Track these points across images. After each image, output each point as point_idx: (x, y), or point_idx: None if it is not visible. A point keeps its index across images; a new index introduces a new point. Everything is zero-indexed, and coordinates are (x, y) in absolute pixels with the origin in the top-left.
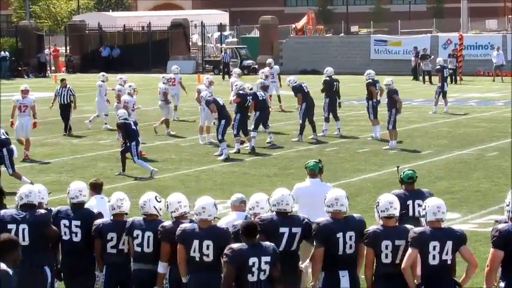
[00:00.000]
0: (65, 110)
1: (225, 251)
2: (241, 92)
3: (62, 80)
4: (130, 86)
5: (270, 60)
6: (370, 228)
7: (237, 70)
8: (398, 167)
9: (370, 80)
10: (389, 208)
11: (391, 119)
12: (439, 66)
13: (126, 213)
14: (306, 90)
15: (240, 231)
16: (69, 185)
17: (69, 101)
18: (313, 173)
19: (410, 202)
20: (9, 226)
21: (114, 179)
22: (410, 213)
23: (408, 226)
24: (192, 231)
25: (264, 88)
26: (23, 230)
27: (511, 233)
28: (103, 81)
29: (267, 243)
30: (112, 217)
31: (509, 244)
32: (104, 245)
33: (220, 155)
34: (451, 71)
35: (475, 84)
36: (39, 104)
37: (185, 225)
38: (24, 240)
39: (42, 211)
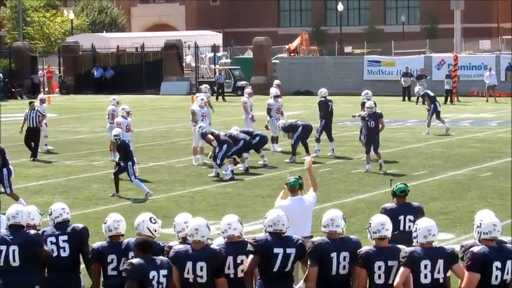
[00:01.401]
0: (33, 134)
1: (125, 266)
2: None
3: (30, 103)
4: (123, 108)
5: (277, 82)
6: (363, 249)
7: (248, 90)
8: (391, 180)
9: (366, 100)
10: (381, 230)
11: (378, 142)
12: (422, 93)
13: (122, 235)
14: (295, 121)
15: (134, 246)
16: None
17: (37, 124)
18: (294, 189)
19: (402, 217)
20: (0, 247)
21: (108, 200)
22: (401, 228)
23: (400, 246)
24: (185, 253)
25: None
26: (13, 251)
27: (487, 255)
28: (39, 104)
29: (161, 257)
30: (108, 239)
31: (485, 266)
32: (105, 267)
33: (216, 175)
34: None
35: (468, 105)
36: None
37: (178, 246)
38: (14, 261)
39: (33, 232)
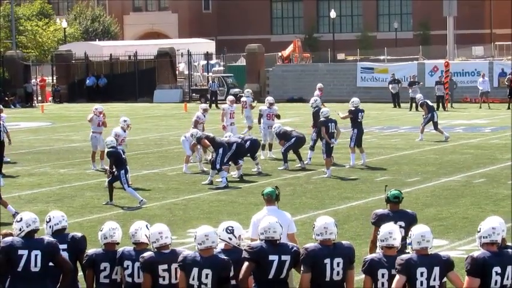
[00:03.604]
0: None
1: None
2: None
3: None
4: (125, 120)
5: (320, 85)
6: (369, 256)
7: (230, 97)
8: (386, 186)
9: (353, 108)
10: (389, 238)
11: (325, 148)
12: (421, 101)
13: (118, 243)
14: (290, 130)
15: None
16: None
17: (2, 138)
18: (270, 199)
19: (392, 223)
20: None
21: (101, 208)
22: None
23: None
24: (193, 259)
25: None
26: (36, 256)
27: (486, 260)
28: None
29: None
30: (103, 246)
31: (485, 271)
32: (97, 275)
33: (210, 183)
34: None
35: (462, 111)
36: (26, 133)
37: (187, 252)
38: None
39: (51, 239)
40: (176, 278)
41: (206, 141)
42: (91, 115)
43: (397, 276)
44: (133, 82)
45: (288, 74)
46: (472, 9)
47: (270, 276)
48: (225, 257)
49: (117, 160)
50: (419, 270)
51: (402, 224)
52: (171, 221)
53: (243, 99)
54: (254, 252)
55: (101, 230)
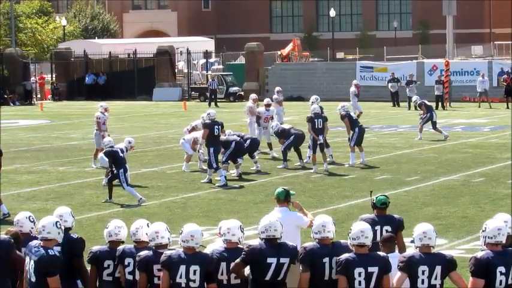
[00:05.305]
0: None
1: None
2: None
3: None
4: (129, 142)
5: (356, 82)
6: (343, 256)
7: (253, 95)
8: (371, 191)
9: (344, 113)
10: (360, 237)
11: (312, 144)
12: (419, 102)
13: (123, 242)
14: (288, 127)
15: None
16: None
17: None
18: (278, 200)
19: (378, 227)
20: None
21: (100, 206)
22: (378, 239)
23: (381, 253)
24: (178, 257)
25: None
26: None
27: (490, 261)
28: None
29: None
30: (108, 244)
31: (489, 272)
32: (100, 272)
33: (209, 181)
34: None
35: (461, 110)
36: (25, 131)
37: (170, 251)
38: None
39: (5, 236)
40: None
41: (207, 132)
42: (99, 115)
43: (398, 273)
44: (132, 80)
45: (287, 73)
46: (472, 9)
47: (267, 278)
48: (209, 253)
49: (115, 160)
50: (421, 268)
51: (388, 228)
52: (170, 219)
53: (274, 96)
54: (251, 254)
55: (107, 228)
